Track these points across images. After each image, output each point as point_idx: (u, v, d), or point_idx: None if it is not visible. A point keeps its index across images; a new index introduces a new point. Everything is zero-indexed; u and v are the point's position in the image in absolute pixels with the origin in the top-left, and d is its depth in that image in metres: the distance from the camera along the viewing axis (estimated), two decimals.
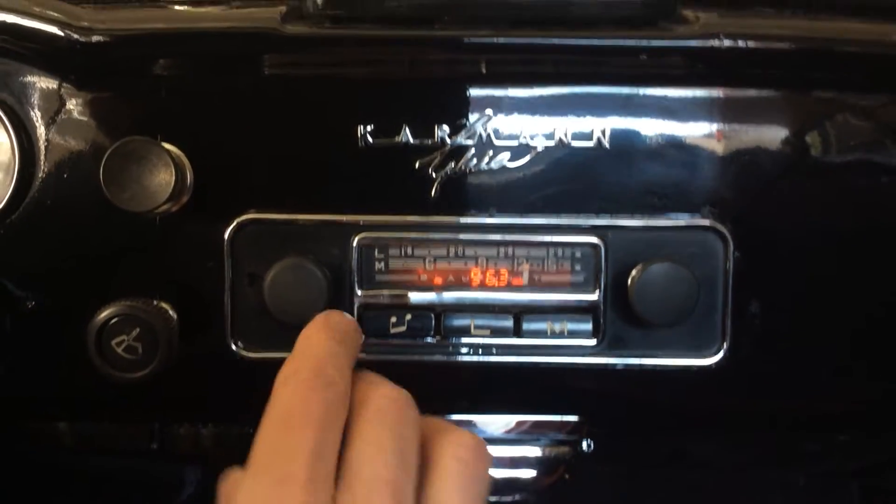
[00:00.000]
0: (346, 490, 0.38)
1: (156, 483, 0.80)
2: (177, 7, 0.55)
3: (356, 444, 0.39)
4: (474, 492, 0.40)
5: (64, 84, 0.52)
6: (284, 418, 0.40)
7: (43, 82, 0.52)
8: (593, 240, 0.52)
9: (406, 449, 0.40)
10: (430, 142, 0.52)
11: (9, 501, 0.75)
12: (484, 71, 0.52)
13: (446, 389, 0.55)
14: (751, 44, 0.51)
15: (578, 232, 0.52)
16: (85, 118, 0.52)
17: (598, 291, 0.53)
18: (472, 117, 0.52)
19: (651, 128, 0.52)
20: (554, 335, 0.52)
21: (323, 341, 0.44)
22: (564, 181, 0.52)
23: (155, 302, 0.51)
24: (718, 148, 0.53)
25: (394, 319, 0.52)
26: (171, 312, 0.51)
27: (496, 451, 0.57)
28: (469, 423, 0.57)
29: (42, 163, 0.52)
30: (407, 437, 0.40)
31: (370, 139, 0.51)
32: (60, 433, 0.61)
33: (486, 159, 0.52)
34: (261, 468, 0.39)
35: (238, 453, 0.59)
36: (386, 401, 0.42)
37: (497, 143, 0.52)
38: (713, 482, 0.75)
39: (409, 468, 0.39)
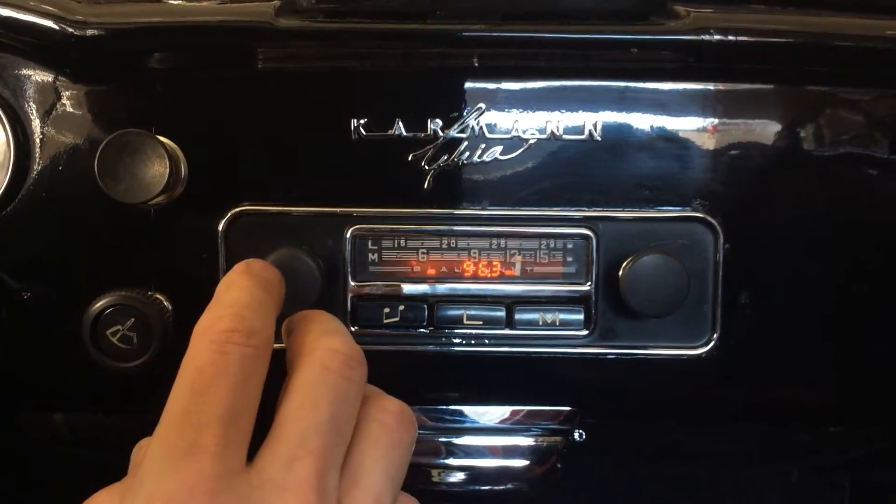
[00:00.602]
0: (270, 451, 0.36)
1: None
2: (171, 1, 0.56)
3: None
4: (394, 457, 0.39)
5: (59, 77, 0.53)
6: (195, 378, 0.37)
7: (38, 76, 0.53)
8: (585, 231, 0.53)
9: (343, 413, 0.38)
10: (423, 135, 0.52)
11: (4, 495, 0.75)
12: (476, 65, 0.53)
13: (439, 379, 0.56)
14: (741, 38, 0.52)
15: (570, 224, 0.53)
16: (80, 111, 0.52)
17: (589, 282, 0.53)
18: (465, 111, 0.52)
19: (642, 121, 0.53)
20: (546, 326, 0.53)
21: (246, 287, 0.41)
22: (556, 174, 0.53)
23: (150, 293, 0.51)
24: (709, 141, 0.53)
25: (387, 310, 0.53)
26: (165, 303, 0.51)
27: (489, 441, 0.58)
28: (461, 413, 0.57)
29: (37, 156, 0.53)
30: (350, 399, 0.39)
31: (363, 132, 0.52)
32: (56, 425, 0.62)
33: (479, 152, 0.52)
34: (168, 436, 0.36)
35: None
36: (331, 357, 0.40)
37: (489, 136, 0.52)
38: (705, 474, 0.76)
39: (342, 434, 0.38)
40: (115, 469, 0.77)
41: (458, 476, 0.58)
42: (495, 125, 0.52)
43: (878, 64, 0.55)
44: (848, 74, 0.54)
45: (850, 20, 0.54)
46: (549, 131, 0.52)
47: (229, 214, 0.52)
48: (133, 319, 0.49)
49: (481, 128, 0.52)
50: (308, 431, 0.37)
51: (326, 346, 0.40)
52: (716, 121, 0.53)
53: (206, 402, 0.36)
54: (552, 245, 0.53)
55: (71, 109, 0.52)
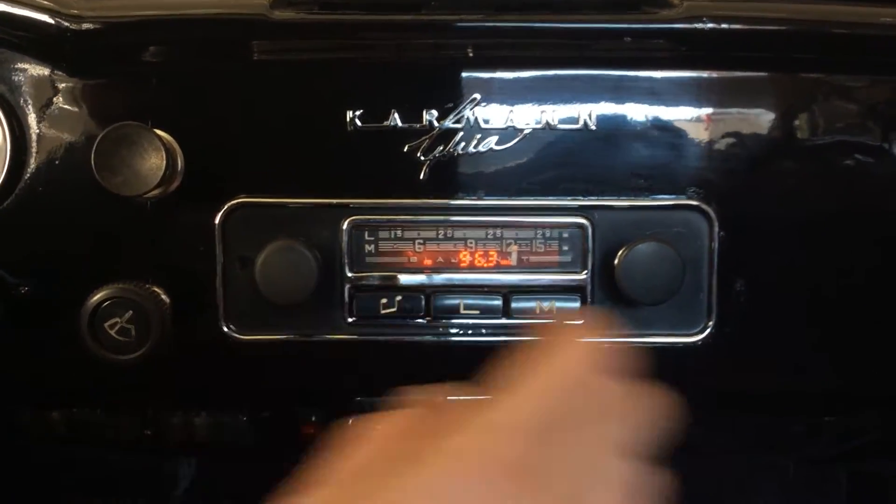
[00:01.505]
0: None
1: (151, 477, 0.81)
2: None
3: None
4: None
5: (55, 71, 0.53)
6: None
7: (34, 70, 0.53)
8: (580, 220, 0.53)
9: None
10: (418, 126, 0.52)
11: (3, 492, 0.75)
12: (471, 55, 0.53)
13: (436, 369, 0.56)
14: (734, 26, 0.52)
15: (566, 213, 0.53)
16: (76, 105, 0.53)
17: (585, 271, 0.53)
18: (460, 101, 0.52)
19: (636, 110, 0.53)
20: (542, 314, 0.53)
21: None
22: (551, 163, 0.53)
23: (147, 285, 0.51)
24: (703, 129, 0.53)
25: (384, 301, 0.53)
26: (163, 296, 0.51)
27: None
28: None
29: (34, 150, 0.53)
30: None
31: (359, 123, 0.52)
32: (54, 421, 0.62)
33: (474, 142, 0.53)
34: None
35: (231, 443, 0.61)
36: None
37: (484, 126, 0.52)
38: (700, 464, 0.76)
39: None
40: (112, 466, 0.78)
41: None
42: (490, 115, 0.52)
43: (871, 51, 0.55)
44: (841, 62, 0.55)
45: (843, 7, 0.55)
46: (543, 121, 0.53)
47: (226, 206, 0.52)
48: (131, 312, 0.50)
49: (476, 118, 0.52)
50: None
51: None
52: (710, 109, 0.53)
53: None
54: (548, 234, 0.54)
55: (67, 103, 0.53)
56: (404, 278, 0.53)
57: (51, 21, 0.51)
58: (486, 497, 0.30)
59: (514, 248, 0.54)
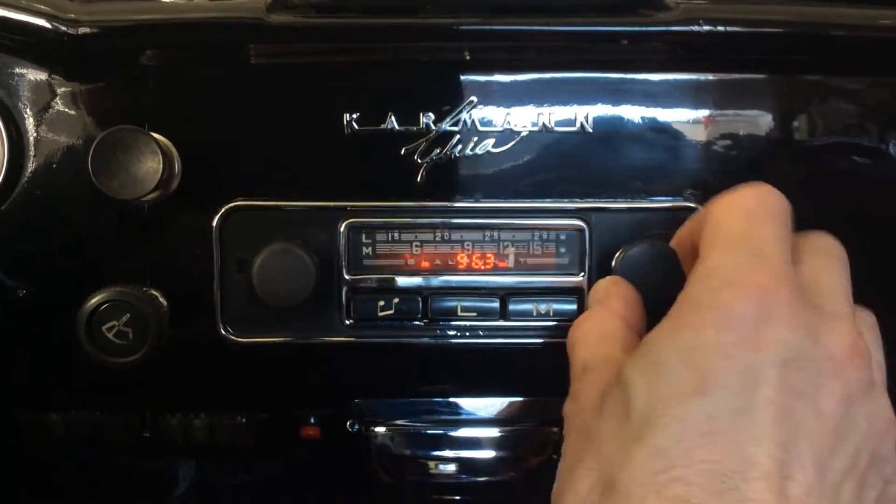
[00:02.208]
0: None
1: (150, 480, 0.81)
2: None
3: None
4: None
5: (52, 75, 0.53)
6: (749, 212, 0.42)
7: (31, 74, 0.53)
8: (578, 223, 0.53)
9: None
10: (415, 128, 0.52)
11: (2, 495, 0.75)
12: (468, 58, 0.53)
13: (434, 372, 0.56)
14: (731, 28, 0.52)
15: (563, 215, 0.53)
16: (73, 109, 0.53)
17: (582, 273, 0.53)
18: (457, 104, 0.52)
19: (633, 113, 0.53)
20: (540, 316, 0.53)
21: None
22: (549, 166, 0.53)
23: (145, 288, 0.51)
24: (700, 131, 0.53)
25: (382, 303, 0.53)
26: (160, 299, 0.51)
27: (484, 432, 0.58)
28: (457, 405, 0.58)
29: (31, 153, 0.53)
30: None
31: (356, 126, 0.52)
32: (53, 424, 0.62)
33: (472, 145, 0.53)
34: (735, 242, 0.41)
35: (229, 445, 0.61)
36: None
37: (482, 129, 0.53)
38: None
39: None
40: (111, 468, 0.78)
41: (454, 467, 0.58)
42: (487, 118, 0.52)
43: (869, 53, 0.55)
44: (839, 64, 0.55)
45: (840, 9, 0.55)
46: (540, 124, 0.53)
47: (223, 209, 0.52)
48: (128, 315, 0.50)
49: (473, 121, 0.52)
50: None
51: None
52: (707, 111, 0.53)
53: (764, 228, 0.42)
54: (545, 236, 0.54)
55: (64, 107, 0.53)
56: (402, 281, 0.53)
57: (48, 25, 0.51)
58: None
59: (512, 250, 0.54)
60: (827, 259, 0.44)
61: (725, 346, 0.38)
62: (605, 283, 0.50)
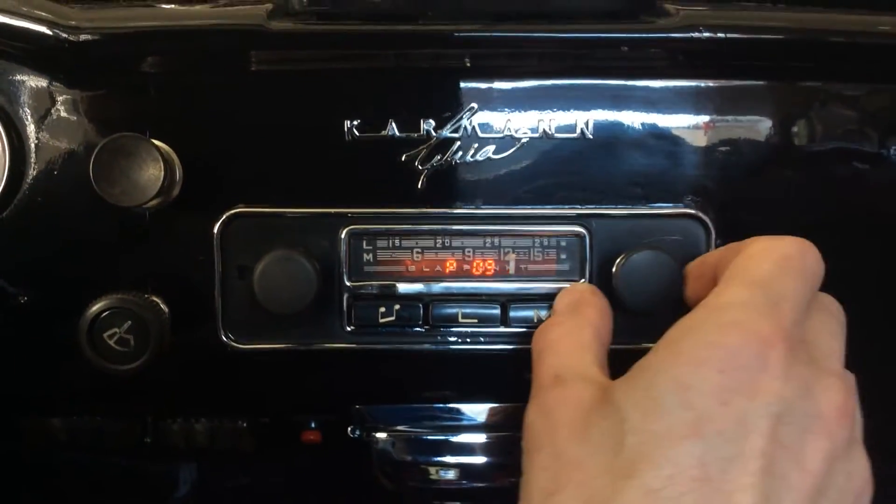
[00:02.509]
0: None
1: (151, 485, 0.81)
2: (164, 5, 0.56)
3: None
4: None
5: (53, 82, 0.53)
6: (783, 260, 0.42)
7: (32, 81, 0.53)
8: (578, 229, 0.53)
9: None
10: (416, 135, 0.52)
11: (3, 499, 0.75)
12: (468, 65, 0.53)
13: (435, 378, 0.56)
14: (731, 35, 0.52)
15: (563, 221, 0.53)
16: (74, 116, 0.53)
17: (583, 280, 0.53)
18: (458, 111, 0.52)
19: (634, 119, 0.53)
20: (541, 323, 0.53)
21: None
22: (549, 172, 0.53)
23: (146, 295, 0.51)
24: (700, 138, 0.53)
25: (382, 310, 0.53)
26: (162, 305, 0.51)
27: (485, 438, 0.58)
28: (458, 411, 0.58)
29: (32, 161, 0.53)
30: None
31: (357, 133, 0.52)
32: (55, 429, 0.62)
33: (472, 152, 0.53)
34: (756, 283, 0.41)
35: (231, 451, 0.61)
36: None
37: (482, 135, 0.53)
38: None
39: None
40: (114, 474, 0.78)
41: (455, 473, 0.58)
42: (488, 125, 0.53)
43: (869, 59, 0.55)
44: (839, 70, 0.55)
45: (840, 16, 0.55)
46: (541, 130, 0.53)
47: (224, 216, 0.52)
48: (130, 322, 0.50)
49: (474, 127, 0.53)
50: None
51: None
52: (707, 118, 0.53)
53: (791, 282, 0.42)
54: (546, 243, 0.54)
55: (65, 114, 0.53)
56: (403, 287, 0.53)
57: (49, 32, 0.51)
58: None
59: (513, 256, 0.54)
60: (829, 319, 0.45)
61: (723, 391, 0.38)
62: (581, 289, 0.50)
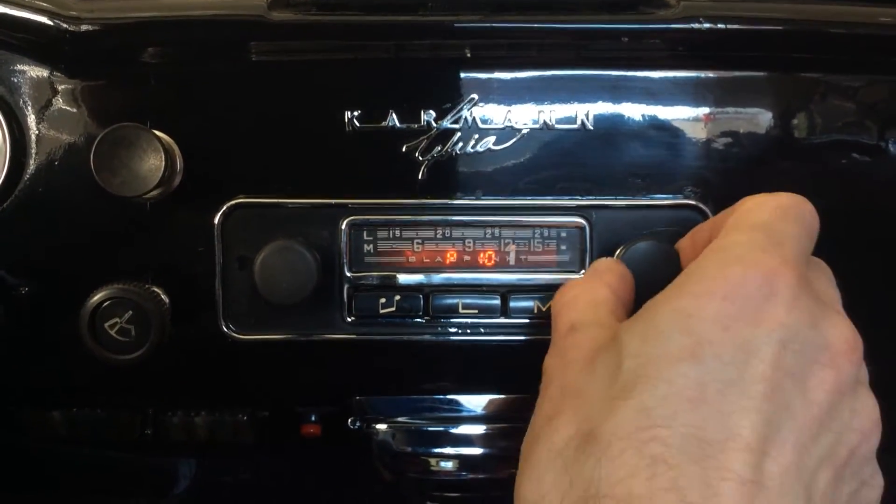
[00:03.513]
0: None
1: (151, 477, 0.81)
2: None
3: None
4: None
5: (54, 73, 0.53)
6: (780, 208, 0.43)
7: (33, 71, 0.53)
8: (578, 220, 0.53)
9: None
10: (416, 126, 0.52)
11: (4, 493, 0.75)
12: (469, 56, 0.53)
13: (435, 369, 0.56)
14: (731, 26, 0.52)
15: (564, 212, 0.53)
16: (75, 106, 0.53)
17: (583, 270, 0.53)
18: (458, 101, 0.52)
19: (634, 110, 0.53)
20: (541, 314, 0.53)
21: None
22: (549, 163, 0.53)
23: (147, 286, 0.51)
24: (700, 129, 0.53)
25: (383, 300, 0.53)
26: (162, 296, 0.51)
27: (485, 429, 0.58)
28: (458, 402, 0.58)
29: (33, 151, 0.53)
30: None
31: (357, 124, 0.52)
32: (55, 422, 0.62)
33: (472, 142, 0.53)
34: (756, 227, 0.41)
35: (231, 442, 0.61)
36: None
37: (482, 126, 0.53)
38: None
39: None
40: (114, 466, 0.78)
41: (455, 464, 0.59)
42: (488, 116, 0.53)
43: (869, 50, 0.55)
44: (838, 61, 0.55)
45: (840, 7, 0.55)
46: (541, 121, 0.53)
47: (225, 207, 0.52)
48: (131, 312, 0.50)
49: (474, 118, 0.53)
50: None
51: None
52: (707, 109, 0.53)
53: (792, 227, 0.43)
54: (546, 234, 0.54)
55: (66, 105, 0.53)
56: (403, 278, 0.53)
57: (49, 23, 0.51)
58: None
59: (513, 247, 0.54)
60: (826, 274, 0.45)
61: (725, 318, 0.38)
62: (604, 260, 0.51)
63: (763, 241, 0.40)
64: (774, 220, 0.42)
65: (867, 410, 0.41)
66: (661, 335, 0.38)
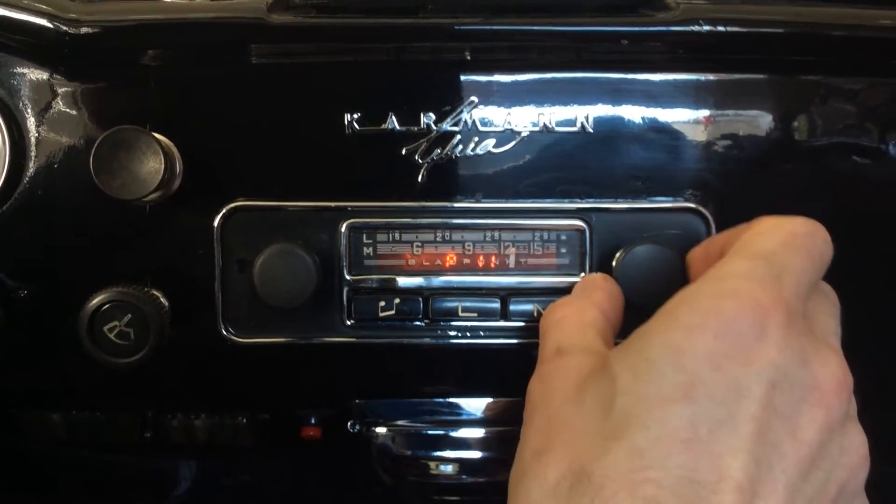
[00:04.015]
0: None
1: (150, 481, 0.81)
2: None
3: None
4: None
5: (54, 75, 0.53)
6: (790, 237, 0.42)
7: (33, 74, 0.53)
8: (578, 223, 0.53)
9: None
10: (416, 129, 0.52)
11: (3, 495, 0.75)
12: (468, 58, 0.53)
13: (435, 372, 0.56)
14: (731, 29, 0.52)
15: (564, 215, 0.53)
16: (75, 109, 0.53)
17: (583, 273, 0.53)
18: (458, 104, 0.52)
19: (634, 113, 0.53)
20: (541, 317, 0.53)
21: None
22: (549, 166, 0.53)
23: (146, 289, 0.51)
24: (700, 132, 0.53)
25: (382, 303, 0.53)
26: (162, 299, 0.51)
27: (485, 433, 0.58)
28: (458, 406, 0.58)
29: (33, 154, 0.53)
30: None
31: (357, 126, 0.52)
32: (54, 424, 0.62)
33: (472, 145, 0.53)
34: (759, 256, 0.41)
35: (230, 445, 0.61)
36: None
37: (482, 129, 0.53)
38: None
39: None
40: (113, 469, 0.78)
41: (455, 468, 0.58)
42: (488, 118, 0.53)
43: (869, 53, 0.55)
44: (839, 64, 0.55)
45: (840, 10, 0.55)
46: (541, 124, 0.53)
47: (224, 210, 0.52)
48: (130, 315, 0.50)
49: (474, 121, 0.53)
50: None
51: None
52: (707, 111, 0.53)
53: (799, 260, 0.42)
54: (546, 237, 0.54)
55: (66, 107, 0.53)
56: (403, 281, 0.53)
57: (49, 25, 0.51)
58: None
59: (513, 250, 0.54)
60: (826, 301, 0.45)
61: (717, 356, 0.38)
62: (594, 277, 0.51)
63: (762, 273, 0.40)
64: (780, 250, 0.42)
65: (855, 446, 0.41)
66: (653, 370, 0.38)
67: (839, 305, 0.46)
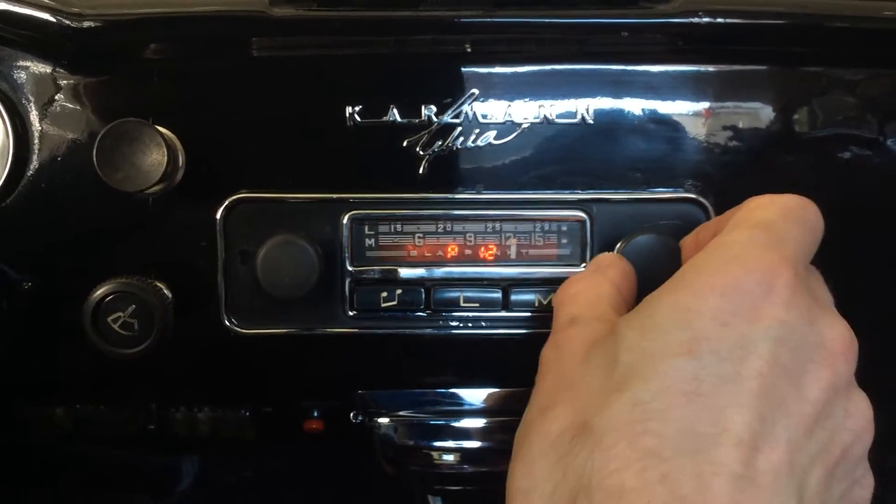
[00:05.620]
0: None
1: (154, 474, 0.81)
2: None
3: None
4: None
5: (56, 69, 0.53)
6: (785, 209, 0.43)
7: (36, 68, 0.53)
8: (579, 214, 0.54)
9: None
10: (417, 121, 0.53)
11: (6, 489, 0.75)
12: (469, 50, 0.53)
13: (437, 362, 0.57)
14: (731, 20, 0.52)
15: (564, 206, 0.54)
16: (78, 102, 0.53)
17: (584, 264, 0.54)
18: (458, 96, 0.53)
19: (634, 104, 0.53)
20: (542, 307, 0.53)
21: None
22: (550, 158, 0.53)
23: (150, 280, 0.51)
24: (700, 123, 0.54)
25: (384, 294, 0.53)
26: (165, 290, 0.52)
27: (487, 422, 0.58)
28: (460, 396, 0.58)
29: (36, 147, 0.53)
30: None
31: (358, 119, 0.52)
32: (59, 417, 0.62)
33: (473, 137, 0.53)
34: (759, 226, 0.41)
35: (234, 437, 0.61)
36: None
37: (483, 121, 0.53)
38: None
39: None
40: (117, 462, 0.78)
41: (458, 458, 0.59)
42: (489, 110, 0.53)
43: (870, 44, 0.55)
44: (840, 55, 0.55)
45: (840, 1, 0.55)
46: (541, 116, 0.53)
47: (227, 202, 0.53)
48: (134, 306, 0.50)
49: (475, 113, 0.53)
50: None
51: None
52: (707, 103, 0.54)
53: (795, 229, 0.43)
54: (547, 228, 0.54)
55: (69, 101, 0.53)
56: (404, 272, 0.54)
57: (52, 19, 0.51)
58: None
59: (514, 241, 0.54)
60: (819, 278, 0.46)
61: (723, 313, 0.38)
62: (607, 255, 0.51)
63: (764, 240, 0.41)
64: (778, 220, 0.42)
65: (861, 410, 0.41)
66: (658, 329, 0.39)
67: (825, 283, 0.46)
